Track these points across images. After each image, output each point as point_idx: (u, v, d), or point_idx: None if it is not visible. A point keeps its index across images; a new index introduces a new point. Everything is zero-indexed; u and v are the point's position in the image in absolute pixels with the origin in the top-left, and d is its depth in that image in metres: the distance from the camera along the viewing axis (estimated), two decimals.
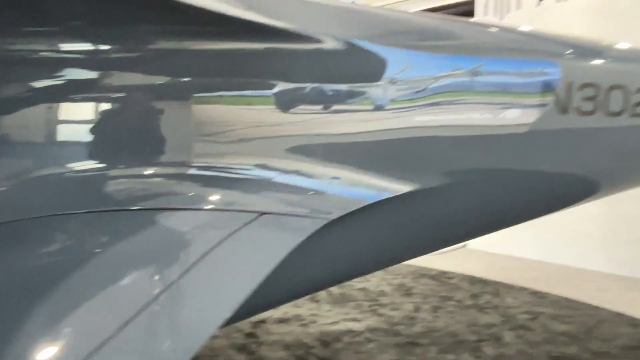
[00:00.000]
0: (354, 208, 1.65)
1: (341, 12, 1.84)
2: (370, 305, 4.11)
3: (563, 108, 1.97)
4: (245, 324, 3.68)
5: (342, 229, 1.68)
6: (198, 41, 1.50)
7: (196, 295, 1.32)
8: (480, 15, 6.11)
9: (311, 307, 4.02)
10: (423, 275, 5.01)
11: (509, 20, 5.86)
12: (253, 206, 1.52)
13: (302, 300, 4.14)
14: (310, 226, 1.55)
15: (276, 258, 1.48)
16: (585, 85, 2.00)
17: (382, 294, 4.42)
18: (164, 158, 1.49)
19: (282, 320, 3.75)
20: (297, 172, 1.61)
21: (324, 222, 1.57)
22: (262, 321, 3.71)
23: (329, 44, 1.62)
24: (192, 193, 1.50)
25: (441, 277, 4.98)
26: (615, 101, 2.05)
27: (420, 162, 1.79)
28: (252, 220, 1.50)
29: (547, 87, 1.94)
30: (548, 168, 2.04)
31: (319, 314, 3.91)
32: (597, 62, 2.12)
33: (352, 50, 1.66)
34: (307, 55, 1.60)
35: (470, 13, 6.36)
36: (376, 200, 1.70)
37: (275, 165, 1.57)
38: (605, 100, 2.03)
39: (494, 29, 2.32)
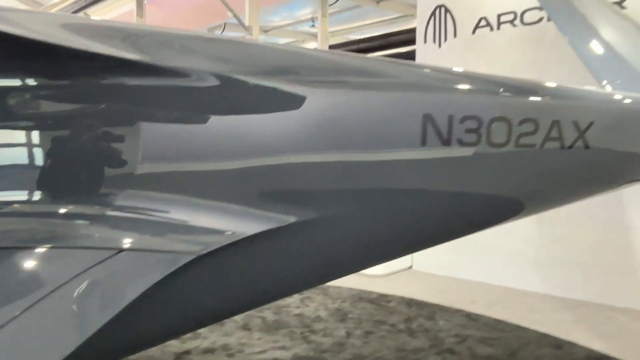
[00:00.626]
0: (223, 243, 1.63)
1: (214, 46, 1.85)
2: (302, 332, 4.07)
3: (445, 140, 2.02)
4: (169, 355, 3.59)
5: (212, 264, 1.66)
6: (37, 75, 1.48)
7: (33, 335, 1.28)
8: (421, 42, 6.29)
9: (241, 336, 3.95)
10: (362, 299, 5.00)
11: (446, 48, 6.05)
12: (110, 243, 1.48)
13: (233, 328, 4.07)
14: (174, 262, 1.52)
15: (132, 296, 1.44)
16: (467, 118, 2.06)
17: (318, 319, 4.38)
18: (8, 195, 1.45)
19: (208, 350, 3.67)
20: (162, 207, 1.58)
21: (190, 258, 1.55)
22: (187, 352, 3.63)
23: (193, 78, 1.62)
24: (42, 230, 1.46)
25: (380, 300, 4.99)
26: (499, 133, 2.12)
27: (296, 193, 1.80)
28: (108, 258, 1.46)
29: (427, 120, 1.98)
30: (428, 197, 2.08)
31: (248, 342, 3.85)
32: (480, 95, 2.19)
33: (218, 83, 1.66)
34: (165, 89, 1.59)
35: (412, 41, 6.54)
36: (249, 234, 1.69)
37: (136, 200, 1.55)
38: (488, 132, 2.10)
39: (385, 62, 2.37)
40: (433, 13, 6.13)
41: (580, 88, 2.52)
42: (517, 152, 2.18)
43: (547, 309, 4.80)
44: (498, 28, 5.60)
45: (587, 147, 2.34)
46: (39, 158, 1.48)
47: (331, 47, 12.96)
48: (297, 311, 4.59)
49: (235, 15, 9.88)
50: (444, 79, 2.18)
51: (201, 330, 3.90)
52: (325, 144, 1.85)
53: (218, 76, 1.67)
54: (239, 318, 4.31)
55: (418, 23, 6.32)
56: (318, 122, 1.83)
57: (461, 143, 2.06)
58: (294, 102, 1.75)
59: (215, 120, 1.64)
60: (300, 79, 1.83)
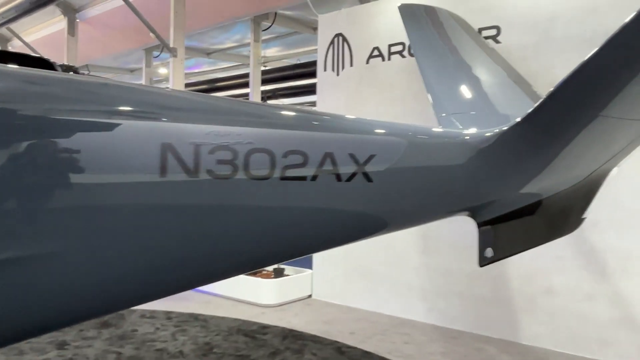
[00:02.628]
0: None
1: None
2: None
3: (191, 170, 1.92)
4: None
5: None
6: None
7: None
8: (321, 70, 6.31)
9: None
10: (239, 332, 4.82)
11: (344, 76, 6.08)
12: None
13: None
14: None
15: None
16: (220, 148, 1.98)
17: (178, 355, 4.18)
18: None
19: None
20: None
21: None
22: None
23: None
24: None
25: (257, 332, 4.82)
26: (259, 165, 2.04)
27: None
28: None
29: (167, 149, 1.89)
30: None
31: None
32: (239, 127, 2.12)
33: None
34: None
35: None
36: None
37: None
38: (246, 164, 2.02)
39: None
40: (332, 42, 6.17)
41: (367, 120, 2.49)
42: (283, 184, 2.11)
43: (423, 340, 4.73)
44: (389, 58, 5.67)
45: (369, 180, 2.29)
46: None
47: (268, 71, 13.00)
48: (162, 345, 4.37)
49: (158, 38, 9.77)
50: (188, 109, 2.10)
51: None
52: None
53: None
54: (95, 351, 4.07)
55: (319, 51, 6.35)
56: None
57: (211, 174, 1.97)
58: None
59: None
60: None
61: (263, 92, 13.83)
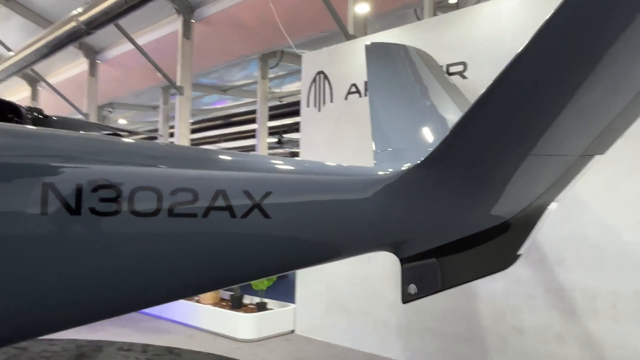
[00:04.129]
0: None
1: None
2: None
3: (73, 208, 2.02)
4: None
5: None
6: None
7: None
8: (304, 106, 6.44)
9: None
10: None
11: (325, 112, 6.19)
12: None
13: None
14: None
15: None
16: (102, 187, 2.07)
17: None
18: None
19: None
20: None
21: None
22: None
23: None
24: None
25: None
26: (144, 202, 2.12)
27: None
28: None
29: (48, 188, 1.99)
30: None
31: None
32: (121, 165, 2.21)
33: None
34: None
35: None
36: None
37: None
38: (131, 201, 2.09)
39: None
40: (314, 79, 6.32)
41: (263, 158, 2.54)
42: (172, 221, 2.17)
43: None
44: (365, 94, 5.75)
45: (266, 216, 2.33)
46: None
47: (276, 107, 13.29)
48: None
49: (166, 77, 10.22)
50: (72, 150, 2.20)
51: None
52: None
53: None
54: None
55: (302, 88, 6.50)
56: None
57: (95, 212, 2.05)
58: None
59: None
60: None
61: (278, 126, 14.14)
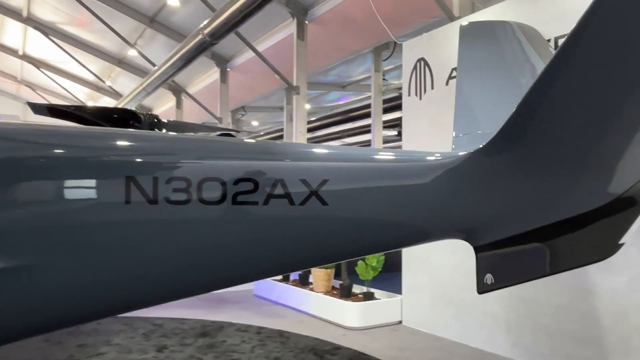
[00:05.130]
0: None
1: None
2: None
3: (150, 199, 2.32)
4: None
5: None
6: None
7: None
8: (405, 95, 6.35)
9: None
10: (312, 350, 5.07)
11: (426, 100, 6.04)
12: None
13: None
14: None
15: None
16: (175, 179, 2.34)
17: None
18: None
19: None
20: None
21: None
22: None
23: None
24: None
25: (328, 353, 5.00)
26: (211, 192, 2.35)
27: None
28: None
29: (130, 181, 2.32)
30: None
31: None
32: (190, 159, 2.44)
33: None
34: None
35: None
36: None
37: None
38: (199, 191, 2.34)
39: None
40: (415, 67, 6.20)
41: (320, 147, 2.59)
42: (235, 208, 2.37)
43: None
44: None
45: (324, 203, 2.43)
46: None
47: (394, 99, 13.18)
48: (238, 356, 4.85)
49: (283, 79, 10.79)
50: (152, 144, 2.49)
51: None
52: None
53: None
54: (183, 356, 4.72)
55: (403, 77, 6.42)
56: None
57: (169, 201, 2.33)
58: None
59: None
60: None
61: (398, 118, 14.04)
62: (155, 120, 4.57)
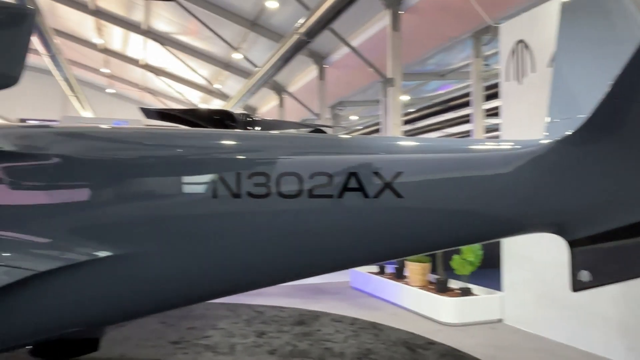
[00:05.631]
0: (60, 265, 2.47)
1: None
2: None
3: (234, 193, 2.48)
4: None
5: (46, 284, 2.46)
6: None
7: None
8: (504, 81, 6.00)
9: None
10: (404, 344, 5.04)
11: (526, 83, 5.67)
12: None
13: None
14: (11, 275, 2.39)
15: None
16: (256, 174, 2.48)
17: (340, 355, 4.70)
18: None
19: None
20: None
21: (27, 273, 2.42)
22: None
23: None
24: None
25: (422, 347, 4.94)
26: (288, 185, 2.46)
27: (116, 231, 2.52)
28: None
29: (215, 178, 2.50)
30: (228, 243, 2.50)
31: None
32: (268, 154, 2.55)
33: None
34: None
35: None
36: (74, 262, 2.47)
37: None
38: (278, 185, 2.46)
39: None
40: (514, 50, 5.84)
41: (395, 139, 2.54)
42: (311, 201, 2.46)
43: None
44: None
45: (399, 196, 2.43)
46: None
47: (492, 86, 12.49)
48: (330, 345, 4.98)
49: (377, 72, 10.75)
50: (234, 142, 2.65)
51: None
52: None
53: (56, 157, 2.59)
54: (279, 342, 4.97)
55: (501, 61, 6.07)
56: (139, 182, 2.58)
57: (251, 195, 2.49)
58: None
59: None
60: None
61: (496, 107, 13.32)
62: (249, 119, 4.86)
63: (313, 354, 4.73)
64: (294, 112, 17.42)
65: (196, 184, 2.55)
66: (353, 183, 2.44)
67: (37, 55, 15.00)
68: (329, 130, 8.65)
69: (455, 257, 6.13)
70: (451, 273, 6.34)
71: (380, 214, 2.45)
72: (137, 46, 19.58)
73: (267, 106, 20.80)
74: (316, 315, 6.21)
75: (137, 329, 5.47)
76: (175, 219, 2.54)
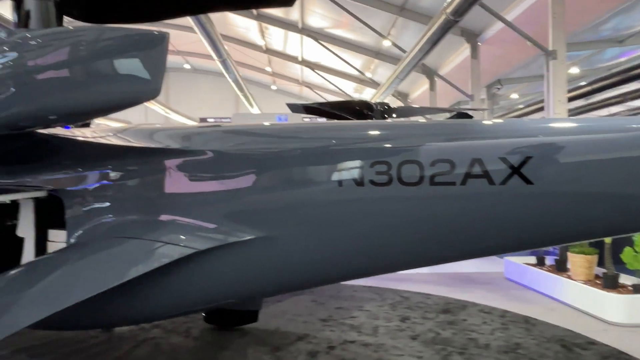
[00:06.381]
0: (214, 245, 2.88)
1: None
2: (449, 353, 4.43)
3: (358, 181, 2.60)
4: None
5: (206, 260, 2.88)
6: None
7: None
8: None
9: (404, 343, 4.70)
10: (559, 341, 4.64)
11: None
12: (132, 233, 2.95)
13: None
14: (178, 252, 2.86)
15: (131, 275, 2.80)
16: (377, 163, 2.56)
17: (484, 347, 4.55)
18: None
19: None
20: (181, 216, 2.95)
21: (189, 251, 2.88)
22: None
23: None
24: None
25: (580, 346, 4.50)
26: (409, 173, 2.48)
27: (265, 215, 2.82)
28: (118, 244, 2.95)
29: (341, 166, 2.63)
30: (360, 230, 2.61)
31: (401, 346, 4.57)
32: (391, 142, 2.55)
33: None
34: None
35: None
36: (233, 241, 2.83)
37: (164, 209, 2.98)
38: (399, 173, 2.50)
39: None
40: None
41: (525, 122, 2.31)
42: (433, 189, 2.45)
43: None
44: None
45: (528, 182, 2.31)
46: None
47: None
48: (475, 336, 4.83)
49: (536, 45, 9.83)
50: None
51: None
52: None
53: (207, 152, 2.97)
54: (423, 328, 5.00)
55: None
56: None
57: (374, 183, 2.58)
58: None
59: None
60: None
61: None
62: (386, 107, 4.94)
63: (456, 342, 4.65)
64: (445, 95, 16.88)
65: (328, 172, 2.69)
66: (477, 169, 2.37)
67: (212, 60, 17.00)
68: (475, 114, 8.25)
69: (627, 249, 5.40)
70: (622, 267, 5.60)
71: (507, 202, 2.34)
72: (295, 44, 20.89)
73: (417, 91, 20.47)
74: (463, 305, 6.04)
75: (291, 305, 5.99)
76: (314, 206, 2.71)
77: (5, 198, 3.40)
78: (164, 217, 2.94)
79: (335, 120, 3.94)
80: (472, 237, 2.48)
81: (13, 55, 2.29)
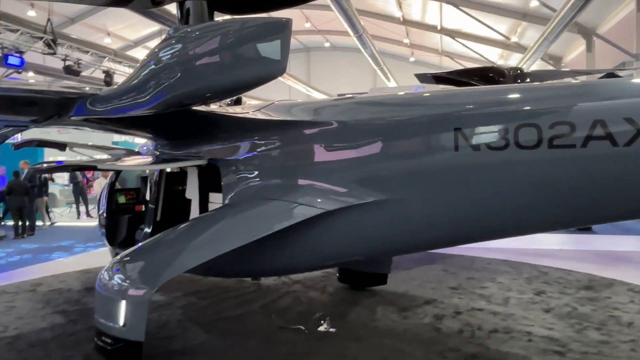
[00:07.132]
0: (342, 206, 3.21)
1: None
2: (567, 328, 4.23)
3: (474, 146, 2.69)
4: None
5: (335, 219, 3.23)
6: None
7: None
8: None
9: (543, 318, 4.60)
10: None
11: None
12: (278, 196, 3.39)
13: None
14: (311, 212, 3.24)
15: (272, 229, 3.26)
16: (494, 127, 2.61)
17: (628, 325, 4.25)
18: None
19: None
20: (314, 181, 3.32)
21: (320, 211, 3.24)
22: None
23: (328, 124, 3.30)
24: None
25: None
26: (527, 136, 2.50)
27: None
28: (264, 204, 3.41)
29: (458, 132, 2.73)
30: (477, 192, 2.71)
31: (532, 317, 4.49)
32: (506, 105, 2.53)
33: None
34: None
35: None
36: (358, 203, 3.14)
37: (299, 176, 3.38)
38: (515, 137, 2.53)
39: None
40: None
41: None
42: (551, 152, 2.45)
43: None
44: None
45: None
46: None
47: None
48: (618, 314, 4.54)
49: None
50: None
51: None
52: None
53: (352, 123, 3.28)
54: (557, 302, 4.84)
55: None
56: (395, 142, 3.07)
57: (490, 147, 2.66)
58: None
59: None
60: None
61: None
62: (519, 72, 4.75)
63: (594, 318, 4.43)
64: (605, 56, 14.99)
65: (446, 139, 2.81)
66: (599, 131, 2.31)
67: (348, 36, 17.35)
68: (625, 74, 7.37)
69: None
70: None
71: (633, 164, 2.25)
72: (434, 12, 20.22)
73: (572, 53, 18.45)
74: (609, 283, 5.62)
75: (421, 273, 6.17)
76: (432, 170, 2.88)
77: (176, 165, 4.16)
78: (300, 182, 3.37)
79: (454, 87, 3.96)
80: (593, 201, 2.44)
81: (179, 46, 2.84)
